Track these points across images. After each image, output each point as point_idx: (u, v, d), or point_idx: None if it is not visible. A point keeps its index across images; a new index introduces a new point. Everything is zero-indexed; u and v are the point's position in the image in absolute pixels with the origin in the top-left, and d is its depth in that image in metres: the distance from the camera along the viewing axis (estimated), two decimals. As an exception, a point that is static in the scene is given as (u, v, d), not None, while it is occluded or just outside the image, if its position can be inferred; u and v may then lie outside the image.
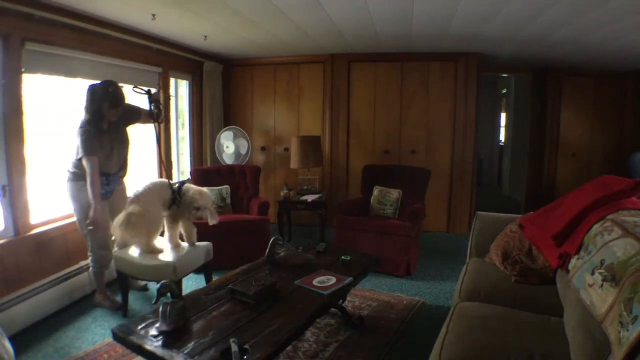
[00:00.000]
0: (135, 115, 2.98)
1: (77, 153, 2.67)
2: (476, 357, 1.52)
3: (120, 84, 2.77)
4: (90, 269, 2.92)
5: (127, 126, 2.97)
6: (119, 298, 2.89)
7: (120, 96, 2.70)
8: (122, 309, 2.81)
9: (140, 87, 2.93)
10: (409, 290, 3.30)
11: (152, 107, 2.95)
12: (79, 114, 2.72)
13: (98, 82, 2.69)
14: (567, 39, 3.67)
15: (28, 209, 2.76)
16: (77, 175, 2.71)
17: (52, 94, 3.11)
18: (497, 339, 1.62)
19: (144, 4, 2.87)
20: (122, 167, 2.97)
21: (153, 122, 3.00)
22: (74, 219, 3.12)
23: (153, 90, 3.03)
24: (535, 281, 2.19)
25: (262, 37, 3.97)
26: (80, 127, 2.64)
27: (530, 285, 2.17)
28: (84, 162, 2.63)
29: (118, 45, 3.45)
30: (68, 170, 2.74)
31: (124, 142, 2.92)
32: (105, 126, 2.74)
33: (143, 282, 3.18)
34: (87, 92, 2.65)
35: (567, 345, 1.53)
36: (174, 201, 2.88)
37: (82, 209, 2.73)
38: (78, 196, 2.73)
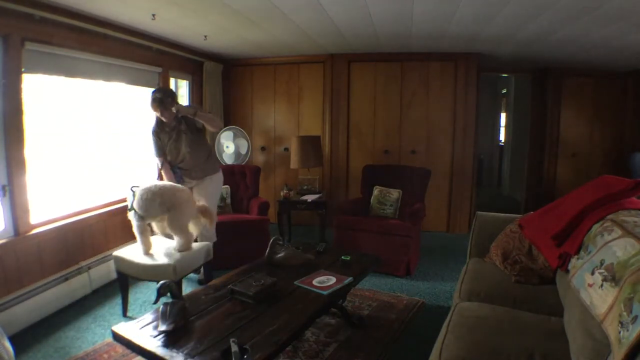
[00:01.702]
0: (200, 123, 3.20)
1: None
2: (476, 357, 1.52)
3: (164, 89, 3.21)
4: None
5: (196, 127, 3.21)
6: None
7: (154, 100, 2.98)
8: (123, 308, 2.81)
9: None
10: (409, 290, 3.30)
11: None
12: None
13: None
14: (567, 39, 3.67)
15: (28, 209, 2.76)
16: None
17: (52, 94, 3.11)
18: (497, 339, 1.62)
19: (144, 4, 2.87)
20: (182, 160, 3.21)
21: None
22: (75, 218, 3.17)
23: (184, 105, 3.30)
24: (535, 281, 2.19)
25: (262, 37, 3.97)
26: None
27: (530, 285, 2.17)
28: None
29: (118, 45, 3.45)
30: None
31: (179, 140, 3.16)
32: (166, 127, 3.14)
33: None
34: None
35: (567, 345, 1.53)
36: None
37: None
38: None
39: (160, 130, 3.14)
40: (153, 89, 3.09)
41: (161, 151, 3.17)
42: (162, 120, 3.09)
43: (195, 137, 3.22)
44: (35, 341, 2.43)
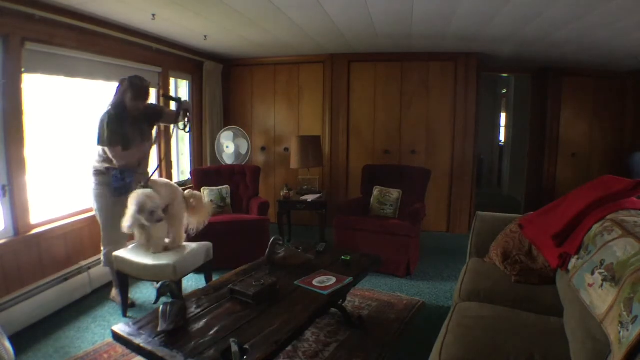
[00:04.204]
0: (158, 114, 3.06)
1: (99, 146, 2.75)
2: (476, 357, 1.52)
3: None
4: (102, 263, 2.94)
5: (151, 125, 3.03)
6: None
7: (141, 88, 2.76)
8: (123, 308, 2.81)
9: (169, 94, 3.07)
10: (409, 290, 3.30)
11: (182, 117, 2.99)
12: (103, 107, 2.79)
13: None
14: (567, 39, 3.68)
15: (28, 209, 2.76)
16: (96, 171, 2.79)
17: (52, 93, 3.11)
18: (497, 339, 1.62)
19: (144, 4, 2.87)
20: (141, 163, 2.96)
21: (182, 130, 3.04)
22: (75, 218, 3.14)
23: (183, 99, 3.05)
24: (535, 281, 2.19)
25: (262, 37, 3.97)
26: (102, 119, 2.67)
27: (530, 285, 2.17)
28: (108, 153, 2.71)
29: (118, 45, 3.45)
30: (91, 166, 2.82)
31: (144, 139, 2.93)
32: (129, 119, 2.79)
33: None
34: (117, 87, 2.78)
35: (567, 345, 1.53)
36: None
37: (99, 203, 2.81)
38: (96, 191, 2.80)
39: (123, 120, 2.73)
40: (133, 76, 2.78)
41: (120, 140, 2.69)
42: (125, 109, 2.74)
43: (150, 135, 3.04)
44: (35, 341, 2.43)
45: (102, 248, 2.91)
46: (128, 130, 2.77)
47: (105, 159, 2.77)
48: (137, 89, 2.73)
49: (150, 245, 2.76)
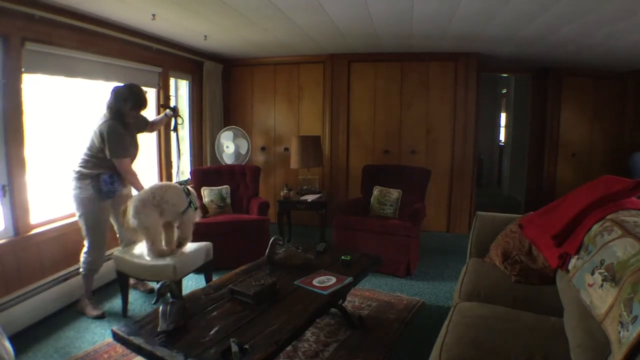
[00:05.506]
0: (144, 123, 3.16)
1: (90, 149, 2.72)
2: (476, 357, 1.52)
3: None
4: (81, 270, 2.80)
5: (138, 132, 3.05)
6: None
7: (143, 98, 2.81)
8: (123, 308, 2.81)
9: (165, 104, 3.40)
10: (409, 290, 3.30)
11: (176, 120, 3.39)
12: (99, 114, 2.80)
13: (121, 84, 2.82)
14: (567, 39, 3.68)
15: (28, 209, 2.76)
16: (82, 174, 2.72)
17: (52, 93, 3.11)
18: (497, 339, 1.62)
19: (144, 4, 2.87)
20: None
21: (173, 132, 3.54)
22: (74, 218, 3.12)
23: (173, 104, 3.41)
24: (535, 281, 2.19)
25: (262, 37, 3.98)
26: (109, 128, 2.66)
27: (530, 285, 2.17)
28: (116, 163, 2.74)
29: (118, 45, 3.45)
30: (73, 170, 2.73)
31: (136, 146, 2.98)
32: (125, 128, 2.81)
33: (149, 286, 3.19)
34: (111, 93, 2.75)
35: (567, 345, 1.53)
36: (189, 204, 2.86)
37: (84, 208, 2.72)
38: (80, 195, 2.72)
39: (125, 131, 2.80)
40: (130, 85, 2.79)
41: (128, 151, 2.82)
42: (124, 117, 2.75)
43: (137, 141, 3.05)
44: (35, 341, 2.43)
45: (84, 255, 2.78)
46: (127, 138, 2.81)
47: (96, 164, 2.72)
48: (138, 98, 2.75)
49: (169, 247, 2.77)
